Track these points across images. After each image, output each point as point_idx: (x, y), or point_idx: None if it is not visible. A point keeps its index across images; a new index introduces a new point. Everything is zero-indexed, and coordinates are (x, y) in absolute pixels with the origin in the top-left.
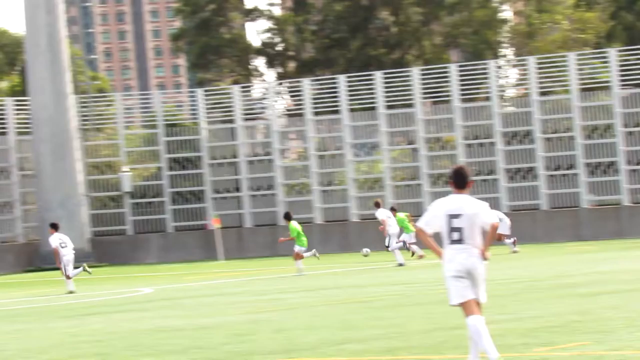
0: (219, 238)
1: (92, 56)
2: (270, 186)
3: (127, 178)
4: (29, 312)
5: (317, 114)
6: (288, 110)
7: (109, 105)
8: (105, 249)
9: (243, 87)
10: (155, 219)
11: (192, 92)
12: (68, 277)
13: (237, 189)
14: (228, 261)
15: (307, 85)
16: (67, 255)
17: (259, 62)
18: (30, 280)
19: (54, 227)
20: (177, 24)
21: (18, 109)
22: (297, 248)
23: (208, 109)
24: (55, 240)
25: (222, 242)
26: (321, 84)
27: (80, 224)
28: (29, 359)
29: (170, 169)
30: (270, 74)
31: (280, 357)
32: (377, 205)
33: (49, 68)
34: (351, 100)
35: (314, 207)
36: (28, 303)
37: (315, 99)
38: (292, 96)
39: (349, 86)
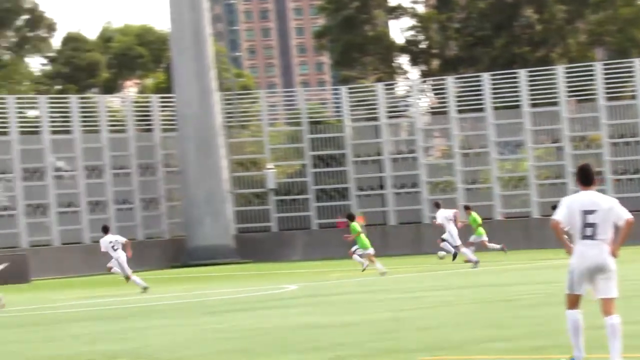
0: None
1: (237, 53)
2: (414, 184)
3: (272, 175)
4: (174, 308)
5: (461, 111)
6: (432, 108)
7: (253, 102)
8: (249, 246)
9: (387, 85)
10: (300, 216)
11: (336, 89)
12: (128, 278)
13: (381, 187)
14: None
15: (451, 83)
16: (121, 256)
17: (403, 60)
18: (175, 276)
19: (105, 230)
20: (321, 21)
21: (163, 106)
22: (354, 247)
23: (352, 106)
24: (106, 242)
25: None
26: (465, 82)
27: (225, 221)
28: (174, 354)
29: (315, 166)
30: (414, 72)
31: (424, 355)
32: (437, 206)
33: (194, 65)
34: (495, 98)
35: (458, 205)
36: (173, 299)
37: (459, 96)
38: (435, 94)
39: (493, 84)
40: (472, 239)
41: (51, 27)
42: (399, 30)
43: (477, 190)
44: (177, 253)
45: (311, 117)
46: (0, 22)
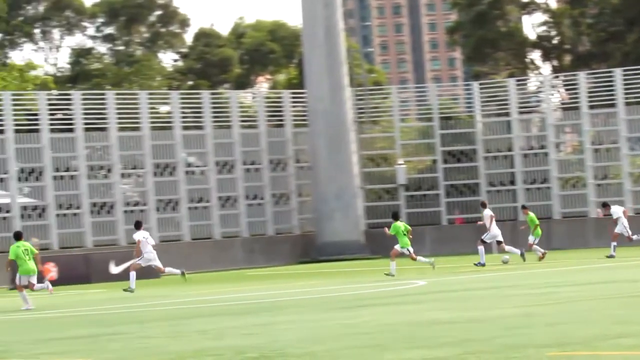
0: None
1: (369, 49)
2: (544, 179)
3: (402, 171)
4: (302, 303)
5: (592, 107)
6: (563, 103)
7: (384, 98)
8: (379, 241)
9: (518, 81)
10: (430, 211)
11: (467, 85)
12: (162, 271)
13: (512, 182)
14: (500, 254)
15: (582, 78)
16: (149, 252)
17: (535, 56)
18: (304, 271)
19: (137, 225)
20: (454, 17)
21: (295, 102)
22: (397, 246)
23: (483, 102)
24: (139, 237)
25: None
26: (597, 78)
27: (355, 216)
28: (303, 349)
29: (445, 161)
30: (546, 68)
31: (553, 350)
32: (484, 205)
33: (326, 61)
34: (627, 93)
35: (589, 200)
36: (301, 294)
37: (590, 92)
38: (567, 89)
39: (625, 80)
40: (531, 240)
41: (184, 23)
42: (531, 26)
43: (608, 186)
44: (307, 248)
45: (442, 113)
46: (133, 17)
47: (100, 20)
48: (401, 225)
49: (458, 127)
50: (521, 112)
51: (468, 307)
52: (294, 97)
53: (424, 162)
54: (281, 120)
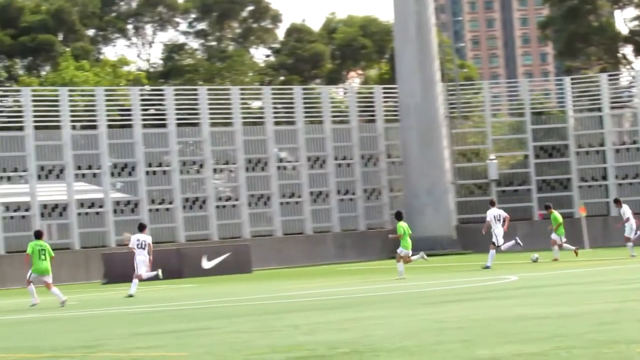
0: (584, 227)
1: (460, 44)
2: (637, 175)
3: (494, 166)
4: (393, 299)
5: None
6: None
7: (476, 93)
8: (470, 237)
9: (610, 75)
10: (521, 207)
11: (559, 80)
12: (139, 278)
13: (604, 178)
14: (594, 250)
15: None
16: (140, 256)
17: (627, 50)
18: (395, 266)
19: (141, 227)
20: (545, 12)
21: (386, 97)
22: (400, 249)
23: (575, 97)
24: (134, 240)
25: (587, 230)
26: None
27: (446, 212)
28: (394, 344)
29: (537, 157)
30: (638, 62)
31: None
32: (492, 204)
33: (418, 56)
34: None
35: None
36: (393, 289)
37: None
38: None
39: None
40: (554, 237)
41: (276, 19)
42: (623, 21)
43: None
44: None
45: (534, 108)
46: (225, 13)
47: (193, 16)
48: (404, 226)
49: (550, 122)
50: (613, 107)
51: (558, 302)
52: (385, 93)
53: (515, 157)
54: (373, 115)
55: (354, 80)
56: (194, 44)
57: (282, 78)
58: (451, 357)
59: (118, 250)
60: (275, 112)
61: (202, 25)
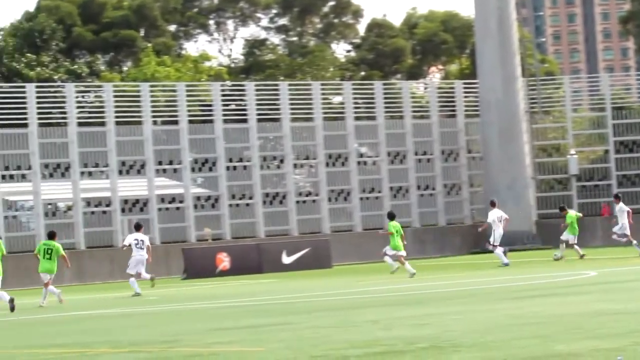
0: None
1: (541, 39)
2: None
3: (574, 161)
4: (472, 294)
5: None
6: None
7: (557, 88)
8: (551, 232)
9: None
10: (602, 202)
11: None
12: (132, 276)
13: None
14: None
15: None
16: (137, 256)
17: None
18: (474, 262)
19: (137, 227)
20: (626, 6)
21: (467, 92)
22: (386, 248)
23: None
24: (131, 239)
25: None
26: None
27: (526, 207)
28: (474, 340)
29: (618, 152)
30: None
31: None
32: (493, 205)
33: (499, 51)
34: None
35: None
36: (472, 285)
37: None
38: None
39: None
40: (566, 237)
41: (357, 14)
42: None
43: None
44: (477, 239)
45: (615, 103)
46: (307, 8)
47: (274, 11)
48: (396, 225)
49: (631, 117)
50: None
51: (637, 297)
52: (466, 88)
53: (596, 152)
54: (453, 110)
55: (435, 75)
56: (275, 39)
57: (362, 73)
58: (529, 352)
59: (198, 246)
60: (356, 107)
61: (283, 21)
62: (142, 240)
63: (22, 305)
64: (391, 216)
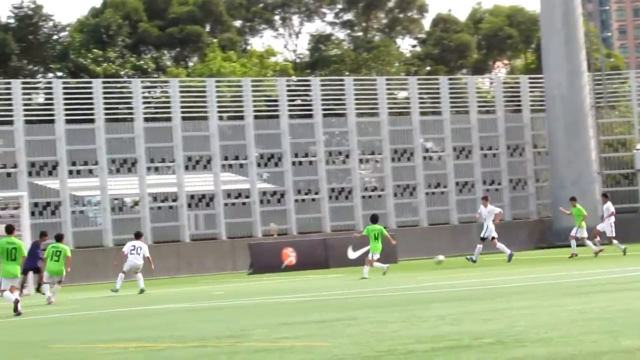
0: None
1: (607, 33)
2: None
3: None
4: (538, 289)
5: None
6: None
7: (623, 82)
8: (617, 227)
9: None
10: None
11: None
12: (123, 272)
13: None
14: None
15: None
16: (130, 261)
17: None
18: (541, 257)
19: (137, 236)
20: None
21: (532, 87)
22: (370, 254)
23: None
24: (129, 246)
25: None
26: None
27: (592, 202)
28: (540, 335)
29: None
30: None
31: None
32: (486, 199)
33: (564, 46)
34: None
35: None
36: (538, 280)
37: None
38: None
39: None
40: (574, 232)
41: (422, 9)
42: None
43: None
44: (544, 234)
45: None
46: (372, 4)
47: (339, 6)
48: (377, 229)
49: None
50: None
51: None
52: (531, 83)
53: None
54: (519, 105)
55: (500, 70)
56: (341, 34)
57: (428, 68)
58: (596, 347)
59: (264, 241)
60: (421, 103)
61: (348, 16)
62: (139, 247)
63: (87, 300)
64: (374, 219)
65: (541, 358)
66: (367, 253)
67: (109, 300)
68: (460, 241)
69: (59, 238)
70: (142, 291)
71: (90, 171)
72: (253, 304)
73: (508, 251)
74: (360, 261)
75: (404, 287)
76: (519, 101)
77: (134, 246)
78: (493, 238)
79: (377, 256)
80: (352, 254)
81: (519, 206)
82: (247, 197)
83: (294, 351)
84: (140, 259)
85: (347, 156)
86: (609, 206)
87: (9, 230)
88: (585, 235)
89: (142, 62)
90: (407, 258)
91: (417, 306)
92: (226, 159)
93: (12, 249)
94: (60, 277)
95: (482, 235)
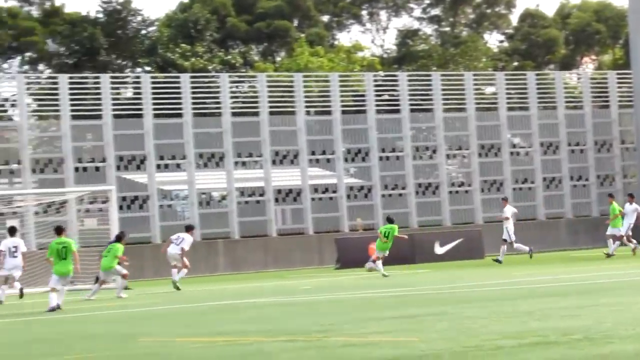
0: None
1: None
2: None
3: None
4: (627, 285)
5: None
6: None
7: None
8: None
9: None
10: None
11: None
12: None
13: None
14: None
15: None
16: (170, 251)
17: None
18: (628, 253)
19: (187, 229)
20: None
21: (620, 82)
22: (377, 251)
23: None
24: (175, 236)
25: None
26: None
27: None
28: (628, 332)
29: None
30: None
31: None
32: (505, 200)
33: None
34: None
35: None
36: (627, 276)
37: None
38: None
39: None
40: (609, 231)
41: (510, 4)
42: None
43: None
44: (633, 230)
45: None
46: None
47: (427, 1)
48: (389, 227)
49: None
50: None
51: None
52: (619, 78)
53: None
54: (606, 101)
55: (588, 65)
56: (428, 29)
57: (515, 63)
58: None
59: (351, 235)
60: (509, 98)
61: (436, 11)
62: (182, 239)
63: (169, 294)
64: (390, 220)
65: (630, 355)
66: (455, 248)
67: (192, 295)
68: (547, 237)
69: (60, 231)
70: (174, 285)
71: (178, 165)
72: (341, 298)
73: (501, 258)
74: (447, 256)
75: (492, 283)
76: (606, 97)
77: (178, 236)
78: (505, 240)
79: (382, 255)
80: (439, 249)
81: (607, 202)
82: (334, 192)
83: (382, 346)
84: (177, 249)
85: (434, 151)
86: (616, 206)
87: (59, 231)
88: (620, 233)
89: (229, 57)
90: (494, 254)
91: (505, 302)
92: (313, 153)
93: (63, 247)
94: (70, 277)
95: (510, 240)
